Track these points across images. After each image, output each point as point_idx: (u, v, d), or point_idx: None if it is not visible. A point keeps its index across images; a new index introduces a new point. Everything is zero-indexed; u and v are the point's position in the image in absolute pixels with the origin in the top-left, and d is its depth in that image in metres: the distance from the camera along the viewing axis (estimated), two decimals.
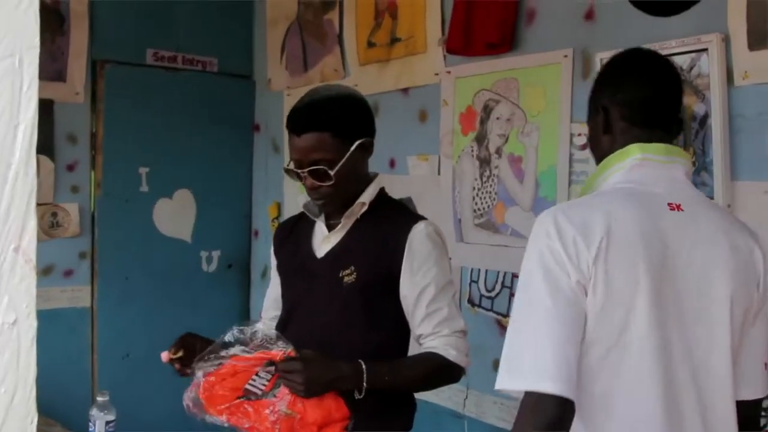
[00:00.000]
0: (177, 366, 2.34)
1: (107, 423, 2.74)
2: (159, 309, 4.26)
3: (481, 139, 3.30)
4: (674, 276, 1.64)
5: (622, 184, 1.72)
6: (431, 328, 2.21)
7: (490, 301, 3.26)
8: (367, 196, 2.27)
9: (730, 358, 1.67)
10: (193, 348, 2.34)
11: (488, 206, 3.27)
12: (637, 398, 1.61)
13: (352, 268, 2.23)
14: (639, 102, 1.78)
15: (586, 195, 1.80)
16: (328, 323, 2.26)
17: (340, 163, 2.16)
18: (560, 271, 1.56)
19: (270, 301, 2.56)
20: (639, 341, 1.60)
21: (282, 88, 4.34)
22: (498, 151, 3.23)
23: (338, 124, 2.17)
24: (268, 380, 2.10)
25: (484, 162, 3.28)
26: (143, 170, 4.26)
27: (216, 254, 4.49)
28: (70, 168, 4.07)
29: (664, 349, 1.61)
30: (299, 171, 2.21)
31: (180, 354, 2.32)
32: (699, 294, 1.66)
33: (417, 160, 3.59)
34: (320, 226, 2.35)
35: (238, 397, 2.11)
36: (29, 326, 0.66)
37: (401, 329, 2.30)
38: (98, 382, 4.01)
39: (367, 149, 2.26)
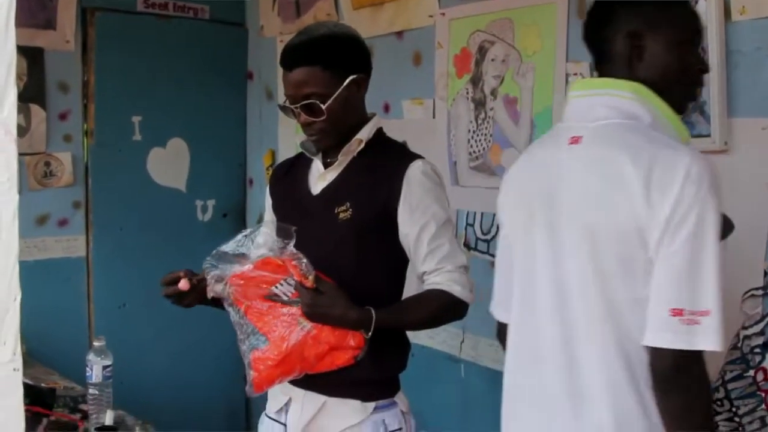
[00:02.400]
0: (188, 284, 2.25)
1: (104, 368, 2.74)
2: (154, 259, 4.23)
3: (476, 81, 3.26)
4: (559, 206, 1.78)
5: (559, 123, 1.93)
6: (434, 264, 2.21)
7: (486, 244, 3.25)
8: (364, 133, 2.26)
9: (595, 294, 1.70)
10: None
11: (484, 149, 3.24)
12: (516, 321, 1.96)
13: (348, 204, 2.23)
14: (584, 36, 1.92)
15: None
16: (320, 259, 2.22)
17: (332, 97, 2.16)
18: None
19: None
20: (517, 264, 1.92)
21: (275, 35, 4.29)
22: (493, 93, 3.20)
23: (329, 58, 2.16)
24: (293, 290, 2.13)
25: (479, 104, 3.25)
26: (136, 119, 4.22)
27: (211, 203, 4.47)
28: (63, 117, 4.03)
29: (530, 274, 1.85)
30: (292, 107, 2.20)
31: (200, 276, 2.24)
32: (569, 223, 1.76)
33: (411, 104, 3.56)
34: (317, 164, 2.34)
35: (265, 296, 2.13)
36: (10, 200, 0.64)
37: (395, 272, 2.30)
38: (94, 331, 4.01)
39: (360, 85, 2.24)
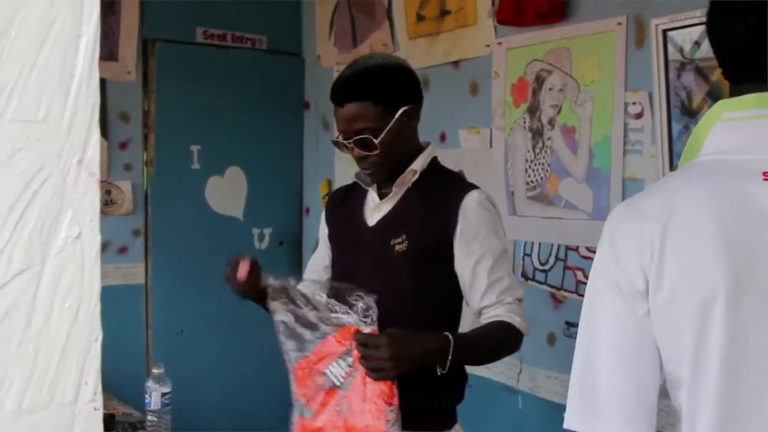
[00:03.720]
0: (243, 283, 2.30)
1: (163, 395, 2.76)
2: (211, 286, 4.24)
3: (533, 110, 3.25)
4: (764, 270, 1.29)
5: (709, 155, 1.39)
6: (494, 297, 2.18)
7: (543, 274, 3.22)
8: (419, 164, 2.26)
9: None
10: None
11: (541, 178, 3.23)
12: None
13: (404, 236, 2.22)
14: (724, 51, 1.44)
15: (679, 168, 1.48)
16: (377, 292, 2.18)
17: (385, 131, 2.16)
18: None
19: (314, 266, 2.53)
20: (716, 355, 1.30)
21: (331, 65, 4.33)
22: (551, 122, 3.18)
23: (379, 92, 2.16)
24: (347, 370, 2.09)
25: (537, 133, 3.24)
26: (195, 148, 4.28)
27: (268, 231, 4.51)
28: (123, 146, 4.10)
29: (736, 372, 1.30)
30: (345, 142, 2.21)
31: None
32: None
33: (468, 133, 3.56)
34: (372, 195, 2.34)
35: (319, 385, 2.12)
36: (93, 240, 0.65)
37: (452, 301, 2.28)
38: (153, 358, 4.05)
39: (412, 116, 2.24)
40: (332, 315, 2.09)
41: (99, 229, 0.65)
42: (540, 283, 3.23)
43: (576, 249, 3.10)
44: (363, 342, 2.01)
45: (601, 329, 1.37)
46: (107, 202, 4.04)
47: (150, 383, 2.77)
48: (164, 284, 4.20)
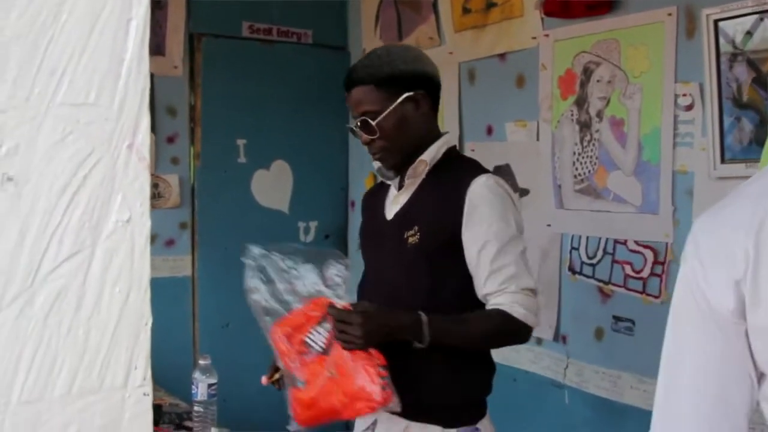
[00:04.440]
0: (277, 386, 2.38)
1: (209, 386, 2.78)
2: None
3: (581, 102, 3.22)
4: None
5: None
6: (497, 285, 2.14)
7: (591, 268, 3.19)
8: (429, 154, 2.25)
9: None
10: None
11: (589, 171, 3.19)
12: None
13: (416, 228, 2.21)
14: None
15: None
16: (394, 285, 2.25)
17: (383, 114, 2.18)
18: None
19: None
20: None
21: None
22: (599, 115, 3.15)
23: (381, 77, 2.20)
24: (326, 336, 2.11)
25: (585, 126, 3.20)
26: (241, 142, 4.30)
27: (313, 225, 4.51)
28: (170, 140, 4.13)
29: None
30: (352, 126, 2.27)
31: (277, 376, 2.35)
32: None
33: (515, 126, 3.53)
34: (393, 188, 2.34)
35: (304, 355, 2.14)
36: (143, 225, 0.65)
37: (468, 294, 2.22)
38: (199, 350, 4.08)
39: (420, 102, 2.23)
40: (306, 289, 2.13)
41: (149, 214, 0.65)
42: (587, 277, 3.20)
43: (624, 243, 3.06)
44: (337, 318, 2.05)
45: (685, 353, 1.25)
46: (155, 195, 4.07)
47: (197, 374, 2.78)
48: (211, 277, 4.23)
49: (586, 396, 3.20)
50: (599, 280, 3.15)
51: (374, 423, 2.30)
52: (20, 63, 0.58)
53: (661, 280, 2.92)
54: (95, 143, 0.62)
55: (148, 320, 0.65)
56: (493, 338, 2.21)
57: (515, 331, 2.16)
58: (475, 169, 2.26)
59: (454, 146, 2.34)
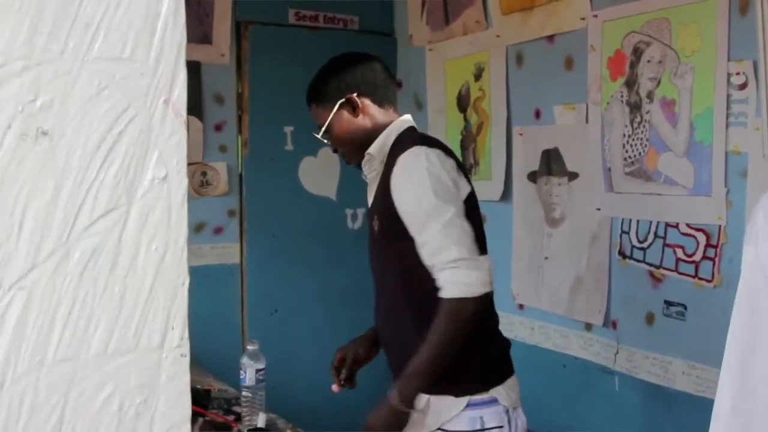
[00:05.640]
0: (349, 386, 2.62)
1: (257, 371, 2.79)
2: (305, 266, 4.31)
3: (631, 83, 3.16)
4: None
5: None
6: (427, 260, 2.20)
7: (642, 252, 3.13)
8: (374, 147, 2.37)
9: None
10: (355, 355, 2.59)
11: (639, 153, 3.14)
12: None
13: (376, 217, 2.36)
14: None
15: None
16: (378, 275, 2.45)
17: (324, 126, 2.39)
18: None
19: None
20: None
21: (424, 44, 4.29)
22: (649, 96, 3.09)
23: (315, 94, 2.43)
24: None
25: (635, 107, 3.15)
26: (288, 129, 4.30)
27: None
28: (218, 128, 4.14)
29: None
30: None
31: (344, 376, 2.60)
32: None
33: (563, 109, 3.48)
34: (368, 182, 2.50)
35: None
36: (180, 183, 0.64)
37: None
38: (248, 336, 4.09)
39: (355, 104, 2.38)
40: None
41: (186, 171, 0.64)
42: (638, 261, 3.14)
43: (676, 226, 3.00)
44: None
45: (761, 353, 1.13)
46: (203, 183, 4.09)
47: (245, 359, 2.79)
48: (259, 264, 4.24)
49: (637, 382, 3.15)
50: (650, 264, 3.10)
51: None
52: (55, 16, 0.57)
53: (713, 264, 2.86)
54: (131, 98, 0.61)
55: (185, 280, 0.64)
56: (449, 335, 2.19)
57: (458, 311, 2.17)
58: (409, 144, 2.30)
59: (409, 128, 2.42)
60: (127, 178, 0.62)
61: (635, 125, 3.14)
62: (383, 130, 2.39)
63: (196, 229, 4.06)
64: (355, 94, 2.39)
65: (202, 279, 4.03)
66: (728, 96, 2.79)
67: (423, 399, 2.28)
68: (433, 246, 2.17)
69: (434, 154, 2.25)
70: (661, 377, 3.05)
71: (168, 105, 0.62)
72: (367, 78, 2.43)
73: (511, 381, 2.33)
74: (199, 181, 4.07)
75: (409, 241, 2.23)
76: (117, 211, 0.62)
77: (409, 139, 2.37)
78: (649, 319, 3.10)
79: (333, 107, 2.38)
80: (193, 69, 4.02)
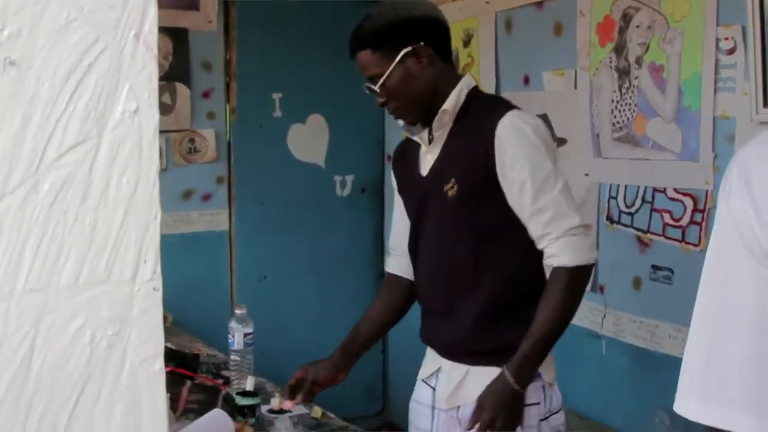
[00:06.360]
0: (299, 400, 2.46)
1: (245, 335, 2.79)
2: (294, 233, 4.32)
3: (619, 49, 3.16)
4: None
5: None
6: (541, 228, 2.08)
7: (629, 217, 3.14)
8: (450, 103, 2.18)
9: None
10: (316, 378, 2.45)
11: (628, 119, 3.14)
12: None
13: (453, 180, 2.15)
14: None
15: None
16: (442, 242, 2.22)
17: (385, 76, 2.15)
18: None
19: (398, 231, 2.47)
20: None
21: None
22: (638, 61, 3.08)
23: (374, 39, 2.17)
24: None
25: (623, 73, 3.14)
26: (276, 96, 4.29)
27: (350, 179, 4.50)
28: (206, 95, 4.13)
29: None
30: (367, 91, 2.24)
31: (299, 398, 2.45)
32: None
33: (552, 75, 3.47)
34: (422, 144, 2.26)
35: None
36: (151, 116, 0.64)
37: (517, 235, 2.15)
38: (236, 303, 4.10)
39: (421, 56, 2.17)
40: None
41: (157, 106, 0.63)
42: (626, 226, 3.15)
43: (663, 191, 3.01)
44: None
45: (736, 304, 1.08)
46: (191, 150, 4.08)
47: (233, 323, 2.80)
48: (248, 231, 4.25)
49: (624, 346, 3.17)
50: (637, 229, 3.11)
51: (438, 369, 2.32)
52: None
53: (700, 228, 2.87)
54: (100, 31, 0.61)
55: (158, 214, 0.64)
56: (570, 305, 2.15)
57: (579, 280, 2.12)
58: (499, 107, 2.20)
59: (475, 87, 2.26)
60: (98, 110, 0.62)
61: (624, 91, 3.14)
62: (453, 85, 2.20)
63: (185, 196, 4.06)
64: (422, 43, 2.17)
65: (190, 246, 4.06)
66: (717, 61, 2.79)
67: (462, 369, 2.23)
68: (554, 212, 2.07)
69: (533, 117, 2.19)
70: (647, 341, 3.07)
71: (138, 39, 0.62)
72: (436, 26, 2.23)
73: (550, 356, 2.24)
74: (187, 148, 4.06)
75: (494, 205, 2.12)
76: (87, 143, 0.62)
77: (491, 100, 2.30)
78: (636, 283, 3.12)
79: (396, 54, 2.14)
80: (181, 36, 4.01)
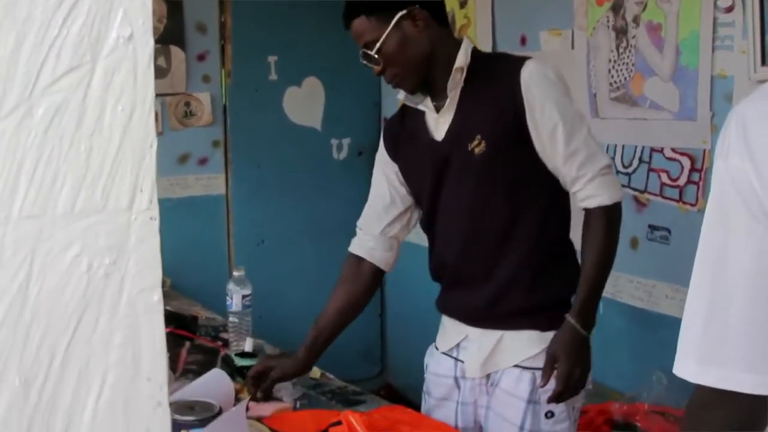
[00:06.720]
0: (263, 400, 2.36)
1: (243, 296, 2.79)
2: (291, 197, 4.31)
3: (617, 8, 3.14)
4: None
5: None
6: (575, 170, 2.07)
7: (627, 177, 3.14)
8: (461, 59, 2.13)
9: None
10: (282, 373, 2.37)
11: (625, 78, 3.12)
12: None
13: (478, 137, 2.10)
14: None
15: None
16: (472, 205, 2.17)
17: (381, 41, 2.09)
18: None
19: (372, 211, 2.41)
20: None
21: None
22: (635, 20, 3.07)
23: (368, 4, 2.13)
24: None
25: (621, 32, 3.13)
26: (272, 59, 4.26)
27: (346, 142, 4.49)
28: (201, 58, 4.10)
29: None
30: (362, 60, 2.18)
31: (260, 396, 2.34)
32: None
33: (549, 35, 3.45)
34: (429, 111, 2.21)
35: None
36: (146, 43, 0.63)
37: (550, 187, 2.15)
38: (234, 267, 4.10)
39: (416, 19, 2.12)
40: None
41: (152, 32, 0.63)
42: (623, 186, 3.12)
43: (661, 150, 3.00)
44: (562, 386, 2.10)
45: (734, 264, 1.08)
46: (186, 113, 4.06)
47: (231, 285, 2.80)
48: (244, 195, 4.24)
49: (621, 306, 3.18)
50: (635, 189, 3.11)
51: (464, 339, 2.28)
52: None
53: (698, 188, 2.87)
54: None
55: (153, 142, 0.63)
56: (613, 242, 2.16)
57: (616, 218, 2.14)
58: (514, 58, 2.19)
59: (475, 48, 2.23)
60: (91, 35, 0.61)
61: (621, 50, 3.13)
62: (451, 49, 2.15)
63: (181, 160, 4.05)
64: (416, 6, 2.12)
65: (187, 210, 4.05)
66: (715, 19, 2.78)
67: (495, 336, 2.20)
68: (585, 154, 2.07)
69: (549, 64, 2.19)
70: (644, 301, 3.08)
71: None
72: None
73: None
74: (183, 112, 4.04)
75: (524, 157, 2.10)
76: (81, 69, 0.61)
77: (498, 55, 2.30)
78: (634, 243, 3.12)
79: (391, 19, 2.09)
80: None
